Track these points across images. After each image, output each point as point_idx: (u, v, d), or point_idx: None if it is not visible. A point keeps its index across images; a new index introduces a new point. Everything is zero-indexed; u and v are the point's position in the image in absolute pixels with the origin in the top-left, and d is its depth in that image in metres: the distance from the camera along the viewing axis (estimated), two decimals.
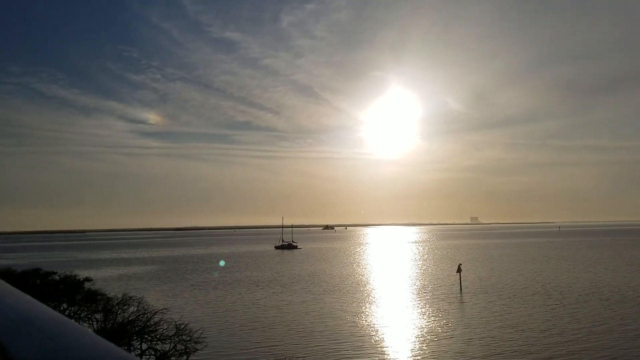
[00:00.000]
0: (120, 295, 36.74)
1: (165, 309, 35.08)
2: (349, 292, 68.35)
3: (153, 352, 31.83)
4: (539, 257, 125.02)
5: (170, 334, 31.98)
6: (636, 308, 52.51)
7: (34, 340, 1.88)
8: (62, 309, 41.94)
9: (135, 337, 32.08)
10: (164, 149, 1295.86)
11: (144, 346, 32.21)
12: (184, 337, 31.84)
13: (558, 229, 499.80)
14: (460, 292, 66.65)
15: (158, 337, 32.21)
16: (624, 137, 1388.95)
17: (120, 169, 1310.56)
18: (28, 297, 2.91)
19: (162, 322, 33.00)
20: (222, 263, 57.24)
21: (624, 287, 67.20)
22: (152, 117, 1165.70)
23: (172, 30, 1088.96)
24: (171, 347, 31.51)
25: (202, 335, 32.43)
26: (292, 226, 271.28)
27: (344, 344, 39.73)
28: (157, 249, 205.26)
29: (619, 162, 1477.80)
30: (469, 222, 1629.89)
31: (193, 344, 31.71)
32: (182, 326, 32.28)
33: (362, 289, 71.59)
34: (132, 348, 31.87)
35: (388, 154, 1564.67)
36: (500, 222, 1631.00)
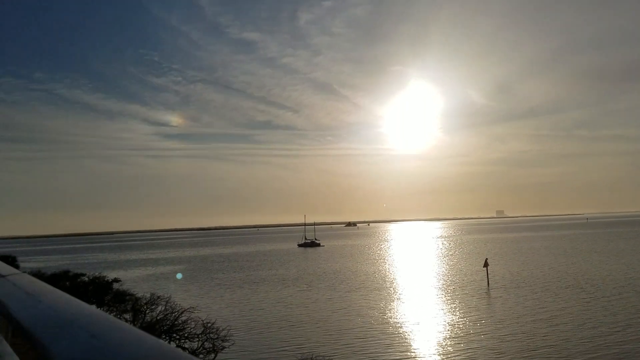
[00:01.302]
0: (148, 295, 37.04)
1: (192, 307, 35.22)
2: (374, 289, 67.80)
3: (182, 351, 31.86)
4: (568, 250, 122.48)
5: (197, 333, 32.10)
6: None
7: (78, 340, 1.76)
8: None
9: (163, 336, 32.24)
10: (187, 150, 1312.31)
11: (172, 345, 32.31)
12: (211, 335, 31.94)
13: (586, 221, 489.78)
14: (488, 287, 65.54)
15: (186, 335, 32.36)
16: None
17: (145, 171, 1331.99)
18: (67, 296, 2.76)
19: (189, 321, 33.14)
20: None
21: None
22: (175, 119, 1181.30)
23: (192, 33, 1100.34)
24: (199, 345, 31.61)
25: (229, 334, 32.48)
26: (314, 224, 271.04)
27: (372, 342, 39.32)
28: (183, 249, 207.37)
29: None
30: (495, 216, 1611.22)
31: (220, 342, 31.77)
32: (209, 324, 32.38)
33: (387, 286, 70.97)
34: None
35: (409, 148, 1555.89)
36: (527, 215, 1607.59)
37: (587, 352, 33.66)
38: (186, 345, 32.09)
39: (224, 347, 31.70)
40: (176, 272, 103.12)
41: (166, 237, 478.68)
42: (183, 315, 33.68)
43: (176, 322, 32.96)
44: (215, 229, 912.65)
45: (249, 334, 43.51)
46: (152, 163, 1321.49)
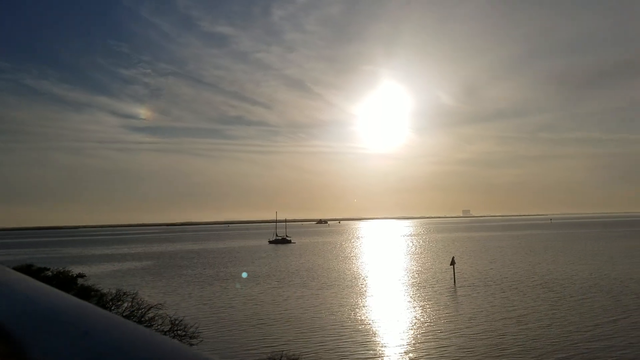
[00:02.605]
0: (114, 291, 36.20)
1: (160, 304, 34.67)
2: (345, 286, 68.08)
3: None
4: (534, 250, 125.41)
5: (165, 330, 31.58)
6: (637, 298, 52.64)
7: (66, 337, 1.41)
8: None
9: None
10: (156, 144, 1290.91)
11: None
12: (179, 332, 31.48)
13: (550, 221, 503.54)
14: (455, 285, 66.53)
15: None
16: (614, 129, 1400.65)
17: (112, 165, 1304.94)
18: (47, 287, 2.22)
19: (157, 318, 32.57)
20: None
21: (625, 279, 67.27)
22: (144, 112, 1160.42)
23: (163, 25, 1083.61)
24: None
25: (197, 331, 32.06)
26: (285, 221, 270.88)
27: (343, 339, 39.44)
28: (151, 245, 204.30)
29: (609, 154, 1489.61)
30: (462, 215, 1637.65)
31: (188, 339, 31.33)
32: (177, 321, 31.92)
33: (358, 283, 71.34)
34: None
35: (380, 147, 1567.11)
36: (493, 214, 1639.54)
37: (557, 351, 34.35)
38: None
39: (192, 345, 31.25)
40: (144, 268, 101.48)
41: (133, 232, 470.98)
42: (150, 311, 33.09)
43: (143, 319, 32.34)
44: (185, 224, 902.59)
45: (219, 331, 43.11)
46: (119, 156, 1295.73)
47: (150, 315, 32.71)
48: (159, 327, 31.82)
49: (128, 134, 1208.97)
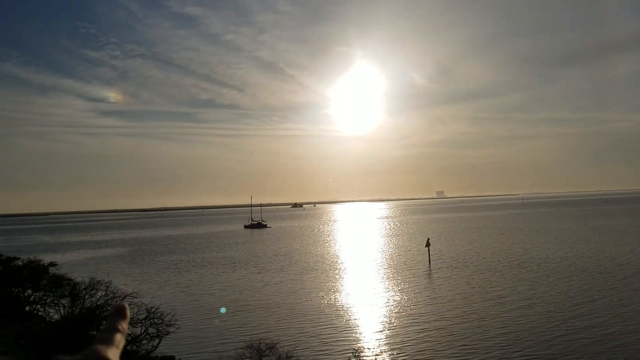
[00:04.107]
0: (87, 280, 35.51)
1: (135, 292, 34.08)
2: (322, 271, 68.21)
3: None
4: (509, 229, 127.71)
5: (141, 318, 31.12)
6: (611, 277, 53.72)
7: None
8: (26, 294, 40.47)
9: (104, 322, 31.07)
10: (125, 128, 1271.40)
11: None
12: (155, 320, 31.05)
13: (522, 201, 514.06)
14: (430, 266, 67.34)
15: (129, 321, 31.28)
16: (583, 109, 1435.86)
17: (81, 150, 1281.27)
18: None
19: (132, 306, 32.02)
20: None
21: (599, 257, 68.56)
22: (112, 95, 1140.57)
23: (131, 5, 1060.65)
24: (142, 330, 30.69)
25: (174, 319, 31.68)
26: (260, 205, 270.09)
27: (321, 325, 39.39)
28: (125, 231, 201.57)
29: (579, 134, 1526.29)
30: (435, 197, 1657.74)
31: (165, 327, 30.95)
32: (153, 309, 31.46)
33: (335, 267, 71.58)
34: None
35: (355, 130, 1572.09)
36: (466, 195, 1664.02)
37: (539, 333, 34.66)
38: (129, 331, 31.10)
39: (168, 332, 30.91)
40: (117, 255, 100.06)
41: (106, 218, 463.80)
42: (125, 300, 32.55)
43: (106, 322, 31.83)
44: (158, 210, 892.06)
45: (196, 318, 42.67)
46: (88, 141, 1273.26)
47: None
48: (134, 315, 31.37)
49: (96, 118, 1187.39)
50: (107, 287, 33.74)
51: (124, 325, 1.60)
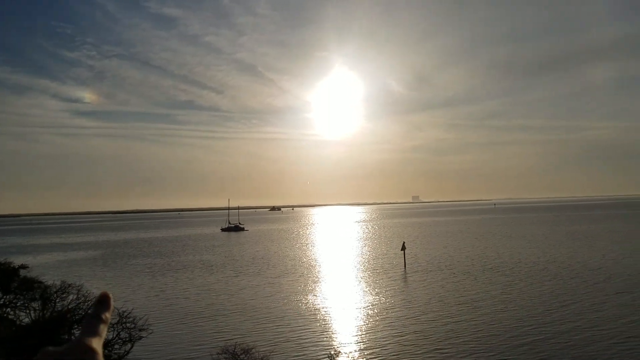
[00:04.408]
0: (58, 283, 34.97)
1: None
2: (300, 274, 68.10)
3: None
4: (482, 234, 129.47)
5: (113, 322, 30.79)
6: (583, 282, 54.69)
7: None
8: None
9: (75, 326, 30.69)
10: (101, 129, 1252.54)
11: None
12: (127, 324, 30.74)
13: (494, 206, 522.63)
14: (405, 269, 67.99)
15: None
16: (557, 117, 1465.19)
17: (56, 150, 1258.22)
18: None
19: None
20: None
21: (571, 262, 69.70)
22: (88, 95, 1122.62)
23: (108, 5, 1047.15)
24: (115, 335, 30.37)
25: (147, 323, 31.40)
26: (238, 208, 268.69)
27: (298, 329, 39.21)
28: (99, 234, 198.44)
29: (552, 141, 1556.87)
30: (411, 201, 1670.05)
31: (138, 332, 30.65)
32: (126, 314, 31.15)
33: (312, 271, 71.60)
34: (72, 337, 30.50)
35: (334, 134, 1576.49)
36: (440, 200, 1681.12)
37: (512, 337, 35.09)
38: None
39: (141, 337, 30.63)
40: (90, 258, 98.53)
41: (80, 220, 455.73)
42: None
43: (90, 312, 31.46)
44: (134, 212, 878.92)
45: (170, 323, 42.11)
46: (64, 142, 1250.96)
47: None
48: None
49: (72, 119, 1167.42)
50: (79, 290, 33.25)
51: (107, 315, 1.63)
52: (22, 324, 34.42)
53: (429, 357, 31.34)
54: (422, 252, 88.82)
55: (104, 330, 1.59)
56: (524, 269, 64.52)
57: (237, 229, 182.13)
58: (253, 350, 28.69)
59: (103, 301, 1.66)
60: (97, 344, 1.53)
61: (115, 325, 30.26)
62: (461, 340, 34.26)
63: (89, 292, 33.92)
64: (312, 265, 76.68)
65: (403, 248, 72.57)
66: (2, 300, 39.26)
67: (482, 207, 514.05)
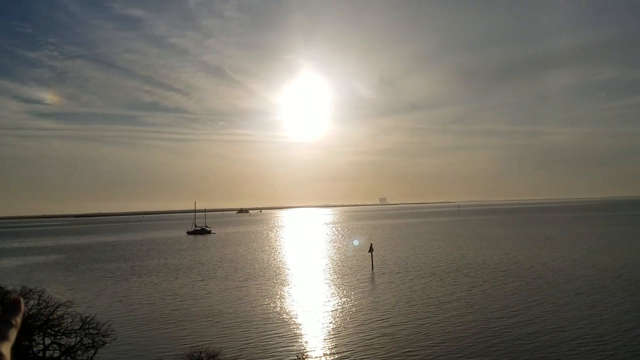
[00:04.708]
0: (18, 288, 34.02)
1: (70, 302, 32.98)
2: (267, 278, 67.65)
3: (57, 347, 29.91)
4: (446, 235, 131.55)
5: (75, 328, 30.17)
6: (545, 282, 55.96)
7: None
8: None
9: (37, 332, 29.92)
10: (63, 131, 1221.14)
11: (47, 341, 30.11)
12: (90, 330, 30.18)
13: (458, 208, 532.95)
14: (373, 271, 68.56)
15: (62, 331, 30.25)
16: (517, 122, 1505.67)
17: (16, 152, 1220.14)
18: None
19: (66, 316, 31.00)
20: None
21: (533, 263, 71.24)
22: (50, 96, 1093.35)
23: (70, 5, 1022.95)
24: (77, 341, 29.75)
25: (110, 328, 30.86)
26: (205, 210, 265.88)
27: (266, 333, 38.87)
28: (60, 238, 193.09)
29: (514, 145, 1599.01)
30: (378, 203, 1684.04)
31: (101, 337, 30.12)
32: (89, 319, 30.57)
33: (280, 274, 71.30)
34: (34, 343, 29.76)
35: (303, 137, 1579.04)
36: (407, 202, 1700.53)
37: (479, 339, 35.59)
38: (62, 342, 30.04)
39: (104, 343, 30.05)
40: (51, 263, 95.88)
41: (40, 224, 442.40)
42: (59, 309, 31.37)
43: (51, 317, 30.61)
44: (96, 215, 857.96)
45: (135, 329, 41.17)
46: (24, 143, 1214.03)
47: (59, 313, 31.09)
48: (68, 325, 30.36)
49: (33, 120, 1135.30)
50: (40, 296, 32.41)
51: (18, 320, 1.65)
52: None
53: (397, 358, 31.67)
54: (390, 253, 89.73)
55: (13, 334, 1.61)
56: (488, 270, 65.78)
57: (203, 232, 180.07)
58: (219, 355, 28.52)
59: (14, 305, 1.68)
60: (5, 348, 1.55)
61: (77, 331, 29.68)
62: (429, 342, 34.64)
63: (50, 297, 33.13)
64: (280, 269, 76.48)
65: (370, 250, 73.19)
66: None
67: (447, 209, 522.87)
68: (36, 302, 32.02)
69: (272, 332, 38.88)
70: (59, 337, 30.14)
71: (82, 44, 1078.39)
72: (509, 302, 46.26)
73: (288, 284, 61.45)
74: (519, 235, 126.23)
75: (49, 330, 30.27)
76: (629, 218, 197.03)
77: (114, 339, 30.96)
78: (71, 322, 30.37)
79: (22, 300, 1.72)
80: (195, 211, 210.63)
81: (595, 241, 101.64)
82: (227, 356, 29.58)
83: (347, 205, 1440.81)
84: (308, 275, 68.33)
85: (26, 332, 29.06)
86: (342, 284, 59.82)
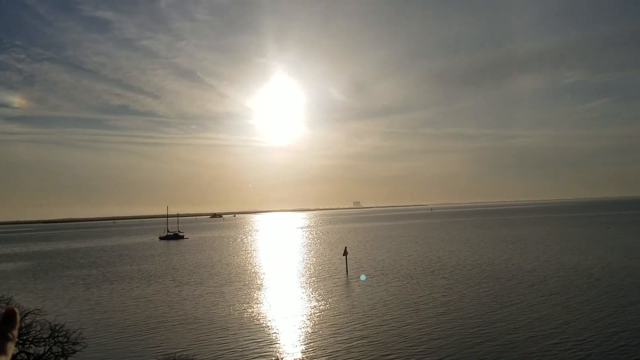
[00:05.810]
0: None
1: (39, 309, 32.06)
2: (242, 283, 67.06)
3: (26, 356, 29.09)
4: (421, 238, 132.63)
5: (44, 336, 29.37)
6: (519, 283, 56.82)
7: None
8: None
9: (2, 340, 29.02)
10: (31, 135, 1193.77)
11: (15, 350, 29.29)
12: (60, 338, 29.43)
13: (430, 211, 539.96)
14: (347, 274, 68.71)
15: (31, 339, 29.43)
16: (487, 125, 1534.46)
17: None
18: None
19: (34, 324, 30.16)
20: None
21: (507, 264, 72.44)
22: (17, 100, 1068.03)
23: (38, 7, 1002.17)
24: (46, 349, 28.97)
25: (81, 336, 30.17)
26: (177, 215, 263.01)
27: (241, 339, 38.54)
28: (28, 244, 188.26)
29: (484, 148, 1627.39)
30: (352, 207, 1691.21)
31: (71, 346, 29.39)
32: (58, 327, 29.82)
33: (255, 279, 70.78)
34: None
35: (277, 141, 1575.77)
36: (380, 205, 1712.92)
37: (454, 339, 35.96)
38: (31, 351, 29.24)
39: (75, 351, 29.35)
40: (19, 270, 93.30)
41: (8, 230, 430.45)
42: (27, 317, 30.52)
43: (19, 326, 29.88)
44: (65, 221, 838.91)
45: (107, 336, 40.32)
46: None
47: (28, 321, 30.26)
48: (37, 333, 29.55)
49: (0, 124, 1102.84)
50: (7, 303, 31.55)
51: (14, 333, 1.58)
52: None
53: None
54: (364, 256, 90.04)
55: (10, 348, 1.53)
56: (462, 272, 66.53)
57: (176, 237, 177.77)
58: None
59: (9, 317, 1.59)
60: None
61: (47, 340, 28.90)
62: (406, 344, 34.77)
63: (18, 305, 32.20)
64: (255, 273, 75.96)
65: (345, 253, 73.33)
66: None
67: (420, 212, 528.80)
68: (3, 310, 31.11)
69: (248, 337, 38.52)
70: (27, 345, 29.32)
71: (50, 47, 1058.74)
72: (485, 303, 46.84)
73: (263, 289, 61.08)
74: (491, 237, 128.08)
75: (16, 339, 29.45)
76: (595, 219, 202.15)
77: (85, 347, 30.26)
78: (40, 330, 29.55)
79: (17, 311, 1.62)
80: (167, 216, 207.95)
81: (565, 242, 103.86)
82: None
83: (322, 209, 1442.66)
84: (283, 280, 68.04)
85: None
86: (317, 287, 59.75)
